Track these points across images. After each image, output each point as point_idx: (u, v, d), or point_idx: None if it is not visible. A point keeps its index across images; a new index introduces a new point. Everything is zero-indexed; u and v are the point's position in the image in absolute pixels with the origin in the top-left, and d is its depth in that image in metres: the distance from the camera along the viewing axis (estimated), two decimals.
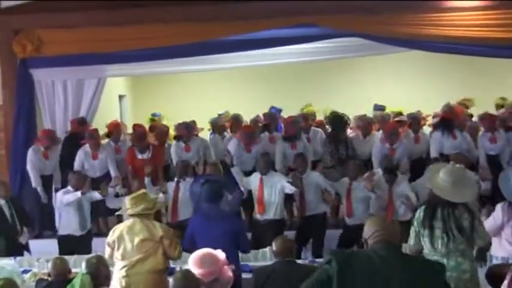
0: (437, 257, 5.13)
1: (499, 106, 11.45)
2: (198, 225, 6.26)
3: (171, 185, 8.68)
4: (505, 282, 3.50)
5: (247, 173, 8.87)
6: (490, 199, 8.11)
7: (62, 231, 8.35)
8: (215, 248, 4.55)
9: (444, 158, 8.88)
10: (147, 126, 10.59)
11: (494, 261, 5.98)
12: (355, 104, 12.03)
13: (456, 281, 5.06)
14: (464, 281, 5.11)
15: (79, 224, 8.21)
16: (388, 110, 11.35)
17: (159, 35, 9.33)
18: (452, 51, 9.60)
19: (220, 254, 4.37)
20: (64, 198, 8.18)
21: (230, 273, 4.35)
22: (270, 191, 8.30)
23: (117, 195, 8.69)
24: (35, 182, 9.13)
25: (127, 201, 5.99)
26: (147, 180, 8.79)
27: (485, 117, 9.58)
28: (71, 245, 8.01)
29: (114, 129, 9.88)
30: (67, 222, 8.28)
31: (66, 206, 8.19)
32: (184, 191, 8.34)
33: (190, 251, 5.57)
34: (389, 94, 13.09)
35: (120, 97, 14.70)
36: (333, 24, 9.09)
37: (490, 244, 5.69)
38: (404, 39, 9.15)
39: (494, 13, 8.92)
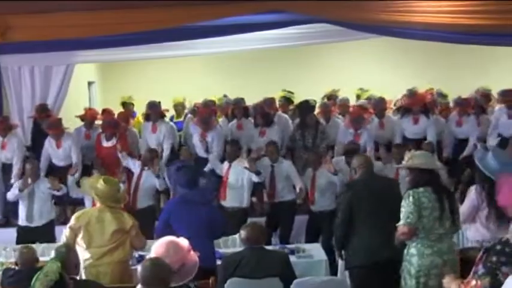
0: (431, 240, 5.22)
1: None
2: (176, 211, 6.20)
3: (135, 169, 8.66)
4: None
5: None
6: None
7: (19, 221, 8.32)
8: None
9: (409, 142, 9.11)
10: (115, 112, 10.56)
11: (470, 245, 6.10)
12: (325, 89, 12.09)
13: (452, 263, 5.21)
14: (456, 262, 5.26)
15: (25, 215, 8.14)
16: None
17: (128, 21, 9.19)
18: (424, 38, 9.59)
19: (183, 241, 4.35)
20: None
21: (195, 259, 4.34)
22: (237, 178, 8.33)
23: (78, 184, 8.59)
24: None
25: None
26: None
27: (460, 102, 9.76)
28: (26, 235, 7.91)
29: (90, 117, 9.87)
30: (19, 213, 8.25)
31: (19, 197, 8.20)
32: (146, 179, 8.44)
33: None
34: (358, 79, 13.21)
35: (89, 83, 14.57)
36: (303, 11, 9.03)
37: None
38: (376, 25, 9.09)
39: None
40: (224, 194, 8.36)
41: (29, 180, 8.11)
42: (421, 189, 5.28)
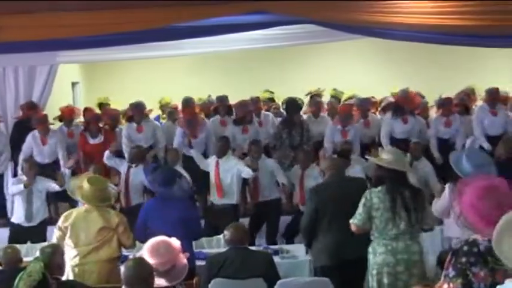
0: (385, 240, 5.26)
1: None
2: (153, 210, 6.22)
3: (123, 168, 8.65)
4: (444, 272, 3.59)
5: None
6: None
7: (13, 219, 8.29)
8: (170, 233, 4.54)
9: (395, 141, 9.13)
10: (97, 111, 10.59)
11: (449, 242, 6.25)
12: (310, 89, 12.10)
13: (406, 262, 5.23)
14: (414, 262, 5.27)
15: (24, 215, 8.12)
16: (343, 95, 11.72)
17: (113, 21, 9.15)
18: (408, 39, 9.61)
19: (175, 242, 4.36)
20: (10, 189, 8.14)
21: (185, 261, 4.35)
22: (227, 175, 8.31)
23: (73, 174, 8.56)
24: None
25: None
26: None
27: (442, 102, 9.78)
28: (20, 234, 7.93)
29: (68, 114, 9.81)
30: (16, 212, 8.23)
31: (16, 195, 8.12)
32: (135, 177, 8.41)
33: (142, 240, 5.55)
34: (342, 79, 13.26)
35: (73, 84, 14.52)
36: (288, 11, 9.02)
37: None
38: (361, 26, 9.08)
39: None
40: (219, 191, 8.32)
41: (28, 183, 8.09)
42: (379, 188, 5.32)
